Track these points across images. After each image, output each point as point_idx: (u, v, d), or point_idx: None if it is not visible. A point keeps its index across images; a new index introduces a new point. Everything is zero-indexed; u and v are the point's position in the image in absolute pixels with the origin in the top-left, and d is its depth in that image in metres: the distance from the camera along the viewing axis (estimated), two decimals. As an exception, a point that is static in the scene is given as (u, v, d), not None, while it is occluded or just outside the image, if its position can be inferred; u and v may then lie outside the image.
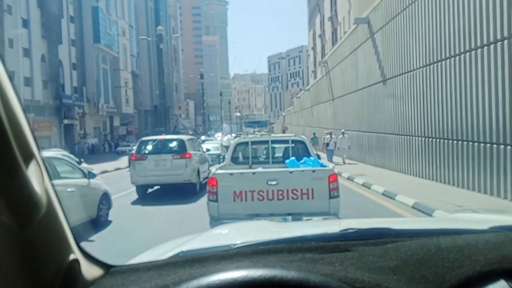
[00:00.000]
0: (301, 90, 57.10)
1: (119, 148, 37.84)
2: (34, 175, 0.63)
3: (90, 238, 6.36)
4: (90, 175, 7.79)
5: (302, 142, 7.53)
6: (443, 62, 10.30)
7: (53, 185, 0.71)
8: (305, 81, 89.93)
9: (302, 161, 6.79)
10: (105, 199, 7.94)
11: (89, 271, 0.83)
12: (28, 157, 0.62)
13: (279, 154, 7.77)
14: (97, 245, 6.04)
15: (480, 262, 0.76)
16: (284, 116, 62.84)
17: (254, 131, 72.11)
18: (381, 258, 0.82)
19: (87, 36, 43.48)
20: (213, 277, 0.63)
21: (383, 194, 9.80)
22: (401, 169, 13.29)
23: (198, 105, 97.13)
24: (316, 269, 0.73)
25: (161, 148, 11.38)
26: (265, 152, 7.85)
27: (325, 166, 6.47)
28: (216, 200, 5.66)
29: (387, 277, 0.73)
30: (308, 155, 7.14)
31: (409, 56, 12.30)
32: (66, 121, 36.45)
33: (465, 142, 9.39)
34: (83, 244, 0.87)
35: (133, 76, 56.79)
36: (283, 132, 39.71)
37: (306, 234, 1.41)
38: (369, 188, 10.89)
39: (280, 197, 5.61)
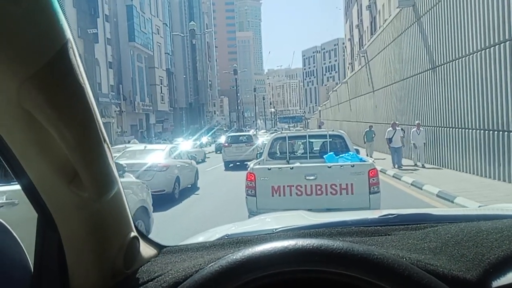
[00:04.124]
0: (336, 84, 55.30)
1: None
2: (109, 156, 0.71)
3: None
4: (191, 157, 12.92)
5: (340, 137, 7.43)
6: (507, 43, 8.89)
7: (116, 167, 0.76)
8: (341, 74, 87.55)
9: (340, 156, 6.71)
10: (197, 173, 12.15)
11: (145, 249, 0.91)
12: (104, 140, 0.69)
13: (316, 149, 7.71)
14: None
15: None
16: (319, 111, 61.28)
17: (289, 127, 71.20)
18: (421, 240, 0.83)
19: (122, 35, 44.06)
20: (266, 245, 0.66)
21: (437, 195, 8.58)
22: (454, 166, 11.89)
23: (233, 102, 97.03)
24: None
25: (238, 139, 19.12)
26: (302, 147, 7.79)
27: (364, 161, 6.30)
28: (255, 195, 5.68)
29: (427, 256, 0.76)
30: (347, 150, 7.05)
31: (465, 39, 10.87)
32: (103, 119, 36.69)
33: (538, 135, 8.01)
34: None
35: (168, 74, 57.21)
36: (319, 127, 38.41)
37: (346, 219, 1.37)
38: (420, 188, 9.65)
39: (319, 192, 5.56)
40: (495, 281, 0.70)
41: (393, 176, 11.96)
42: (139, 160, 9.52)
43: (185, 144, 20.39)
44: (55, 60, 0.57)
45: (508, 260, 0.73)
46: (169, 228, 6.72)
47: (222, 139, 32.00)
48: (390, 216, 1.18)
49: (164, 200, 8.82)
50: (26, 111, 0.58)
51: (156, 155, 10.09)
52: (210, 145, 25.45)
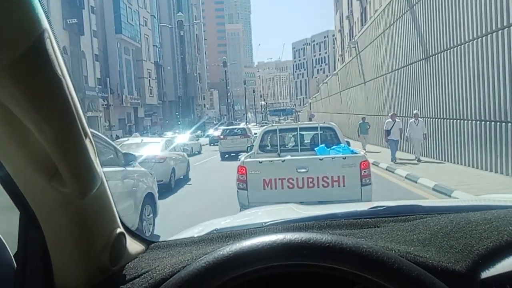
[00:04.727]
0: (327, 76, 54.97)
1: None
2: (91, 151, 0.69)
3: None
4: (184, 150, 13.57)
5: (331, 129, 7.35)
6: (506, 29, 8.57)
7: (99, 163, 0.75)
8: (331, 67, 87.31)
9: (332, 148, 6.64)
10: (188, 165, 12.75)
11: (132, 245, 0.90)
12: (85, 135, 0.68)
13: (307, 141, 7.62)
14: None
15: (508, 232, 0.76)
16: (310, 103, 61.01)
17: (279, 120, 70.90)
18: (410, 232, 0.84)
19: (109, 27, 43.03)
20: (254, 240, 0.66)
21: (433, 189, 8.28)
22: (449, 158, 11.63)
23: (222, 95, 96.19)
24: None
25: (233, 132, 20.66)
26: (293, 139, 7.70)
27: (356, 153, 6.25)
28: (246, 189, 5.65)
29: (416, 248, 0.77)
30: (338, 142, 7.03)
31: (460, 27, 10.54)
32: (90, 113, 36.15)
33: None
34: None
35: (156, 67, 56.28)
36: (310, 120, 38.12)
37: (335, 212, 1.35)
38: (415, 182, 9.34)
39: (311, 184, 5.54)
40: (484, 272, 0.70)
41: (386, 169, 11.66)
42: (137, 153, 9.47)
43: (182, 137, 22.44)
44: (31, 50, 0.54)
45: (497, 251, 0.72)
46: (170, 215, 7.24)
47: (211, 131, 32.53)
48: (379, 208, 1.17)
49: (162, 189, 9.11)
50: (1, 104, 0.56)
51: (153, 147, 10.61)
52: (197, 140, 27.03)
